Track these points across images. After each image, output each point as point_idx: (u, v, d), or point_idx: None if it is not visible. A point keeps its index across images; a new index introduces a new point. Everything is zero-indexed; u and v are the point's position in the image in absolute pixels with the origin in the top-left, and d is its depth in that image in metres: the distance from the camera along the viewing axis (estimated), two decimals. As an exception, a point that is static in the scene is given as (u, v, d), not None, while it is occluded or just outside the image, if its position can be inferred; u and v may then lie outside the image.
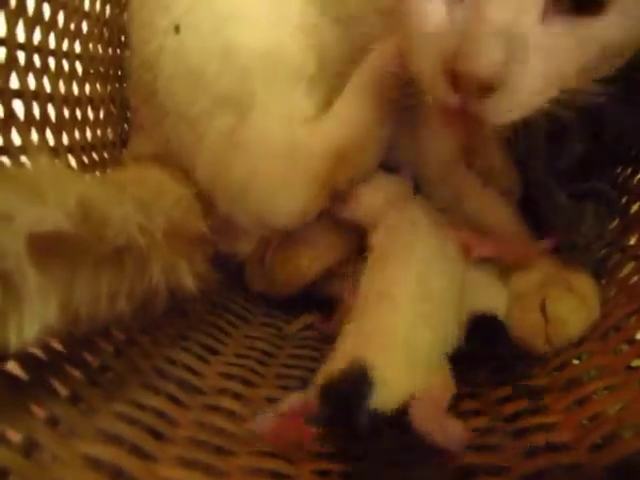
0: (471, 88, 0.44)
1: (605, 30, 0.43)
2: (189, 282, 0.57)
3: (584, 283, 0.61)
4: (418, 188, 0.71)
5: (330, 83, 0.67)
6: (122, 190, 0.51)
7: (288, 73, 0.63)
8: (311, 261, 0.73)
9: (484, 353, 0.60)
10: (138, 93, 0.71)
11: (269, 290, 0.78)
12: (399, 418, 0.48)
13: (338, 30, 0.66)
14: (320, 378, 0.52)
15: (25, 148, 0.59)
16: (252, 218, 0.66)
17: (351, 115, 0.64)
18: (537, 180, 0.66)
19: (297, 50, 0.63)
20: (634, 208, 0.69)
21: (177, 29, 0.63)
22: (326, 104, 0.66)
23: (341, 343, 0.55)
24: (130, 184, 0.54)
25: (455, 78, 0.44)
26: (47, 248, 0.40)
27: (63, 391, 0.46)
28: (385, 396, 0.49)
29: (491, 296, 0.63)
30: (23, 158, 0.58)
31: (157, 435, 0.49)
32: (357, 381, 0.49)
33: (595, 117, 0.67)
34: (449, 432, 0.48)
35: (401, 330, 0.54)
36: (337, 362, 0.52)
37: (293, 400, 0.53)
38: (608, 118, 0.68)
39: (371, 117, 0.65)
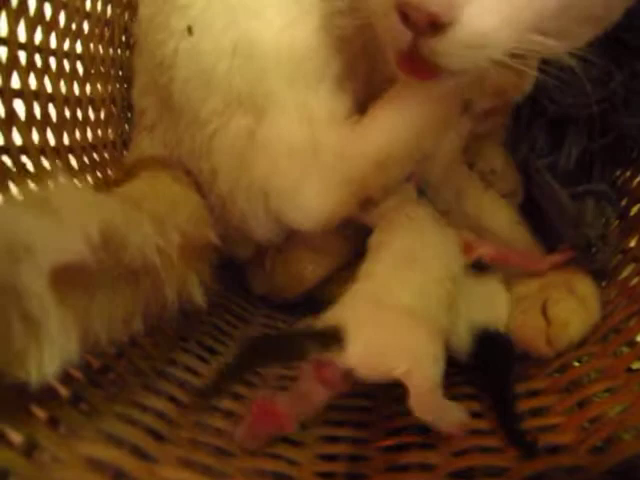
0: (421, 22, 0.43)
1: None
2: (199, 297, 0.58)
3: (584, 285, 0.61)
4: (422, 190, 0.71)
5: (358, 84, 0.64)
6: (139, 207, 0.51)
7: (309, 72, 0.61)
8: (312, 267, 0.73)
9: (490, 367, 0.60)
10: (150, 95, 0.70)
11: (271, 294, 0.78)
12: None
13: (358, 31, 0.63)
14: None
15: (26, 148, 0.59)
16: (273, 219, 0.64)
17: (398, 122, 0.61)
18: (540, 180, 0.66)
19: (319, 49, 0.61)
20: (634, 210, 0.69)
21: (190, 30, 0.62)
22: (356, 105, 0.64)
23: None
24: (145, 199, 0.54)
25: (406, 13, 0.43)
26: (68, 277, 0.40)
27: (64, 392, 0.46)
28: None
29: (496, 308, 0.63)
30: (24, 158, 0.58)
31: (158, 436, 0.49)
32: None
33: (595, 119, 0.68)
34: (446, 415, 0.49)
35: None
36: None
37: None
38: (609, 120, 0.68)
39: (420, 127, 0.62)
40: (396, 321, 0.54)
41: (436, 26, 0.43)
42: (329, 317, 0.54)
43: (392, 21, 0.45)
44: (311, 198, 0.61)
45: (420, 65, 0.48)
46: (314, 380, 0.51)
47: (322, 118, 0.62)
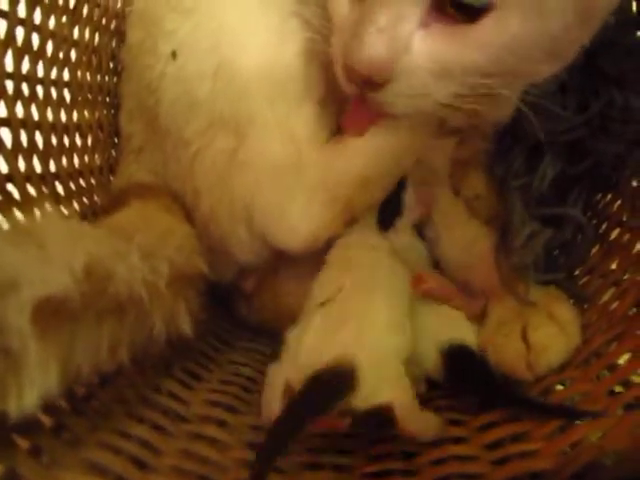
0: (358, 81, 0.48)
1: (484, 36, 0.45)
2: (187, 325, 0.58)
3: (564, 310, 0.62)
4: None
5: (339, 106, 0.65)
6: (128, 237, 0.51)
7: (291, 93, 0.63)
8: (299, 298, 0.73)
9: (466, 384, 0.60)
10: (137, 119, 0.71)
11: (264, 325, 0.78)
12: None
13: None
14: None
15: (12, 175, 0.59)
16: (256, 239, 0.65)
17: (378, 142, 0.63)
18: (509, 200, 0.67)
19: (301, 72, 0.63)
20: (614, 234, 0.70)
21: (174, 55, 0.63)
22: (337, 127, 0.66)
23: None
24: (135, 229, 0.54)
25: (348, 71, 0.48)
26: (51, 310, 0.40)
27: (47, 421, 0.46)
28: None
29: (461, 328, 0.64)
30: (9, 186, 0.58)
31: (141, 465, 0.48)
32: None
33: (573, 144, 0.69)
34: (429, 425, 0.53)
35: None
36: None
37: None
38: (587, 145, 0.69)
39: (401, 147, 0.64)
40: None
41: (371, 83, 0.47)
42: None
43: (340, 74, 0.51)
44: (297, 218, 0.62)
45: (370, 108, 0.52)
46: None
47: (304, 138, 0.63)
